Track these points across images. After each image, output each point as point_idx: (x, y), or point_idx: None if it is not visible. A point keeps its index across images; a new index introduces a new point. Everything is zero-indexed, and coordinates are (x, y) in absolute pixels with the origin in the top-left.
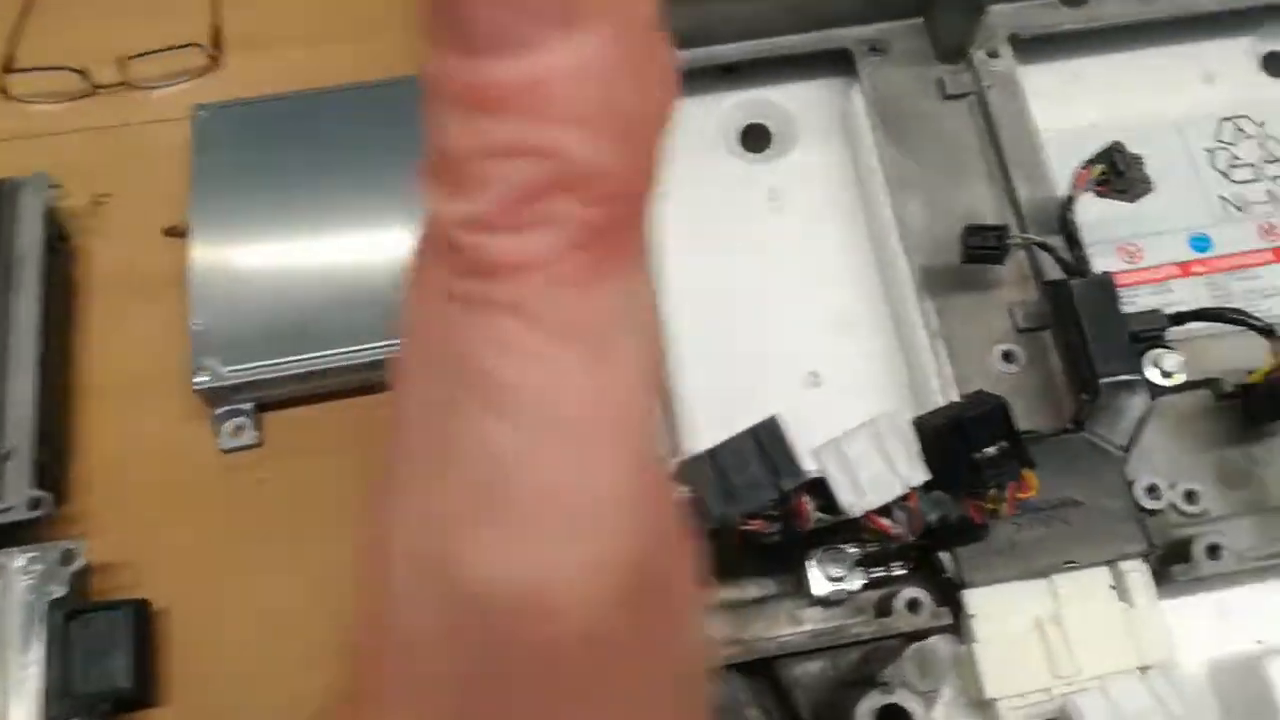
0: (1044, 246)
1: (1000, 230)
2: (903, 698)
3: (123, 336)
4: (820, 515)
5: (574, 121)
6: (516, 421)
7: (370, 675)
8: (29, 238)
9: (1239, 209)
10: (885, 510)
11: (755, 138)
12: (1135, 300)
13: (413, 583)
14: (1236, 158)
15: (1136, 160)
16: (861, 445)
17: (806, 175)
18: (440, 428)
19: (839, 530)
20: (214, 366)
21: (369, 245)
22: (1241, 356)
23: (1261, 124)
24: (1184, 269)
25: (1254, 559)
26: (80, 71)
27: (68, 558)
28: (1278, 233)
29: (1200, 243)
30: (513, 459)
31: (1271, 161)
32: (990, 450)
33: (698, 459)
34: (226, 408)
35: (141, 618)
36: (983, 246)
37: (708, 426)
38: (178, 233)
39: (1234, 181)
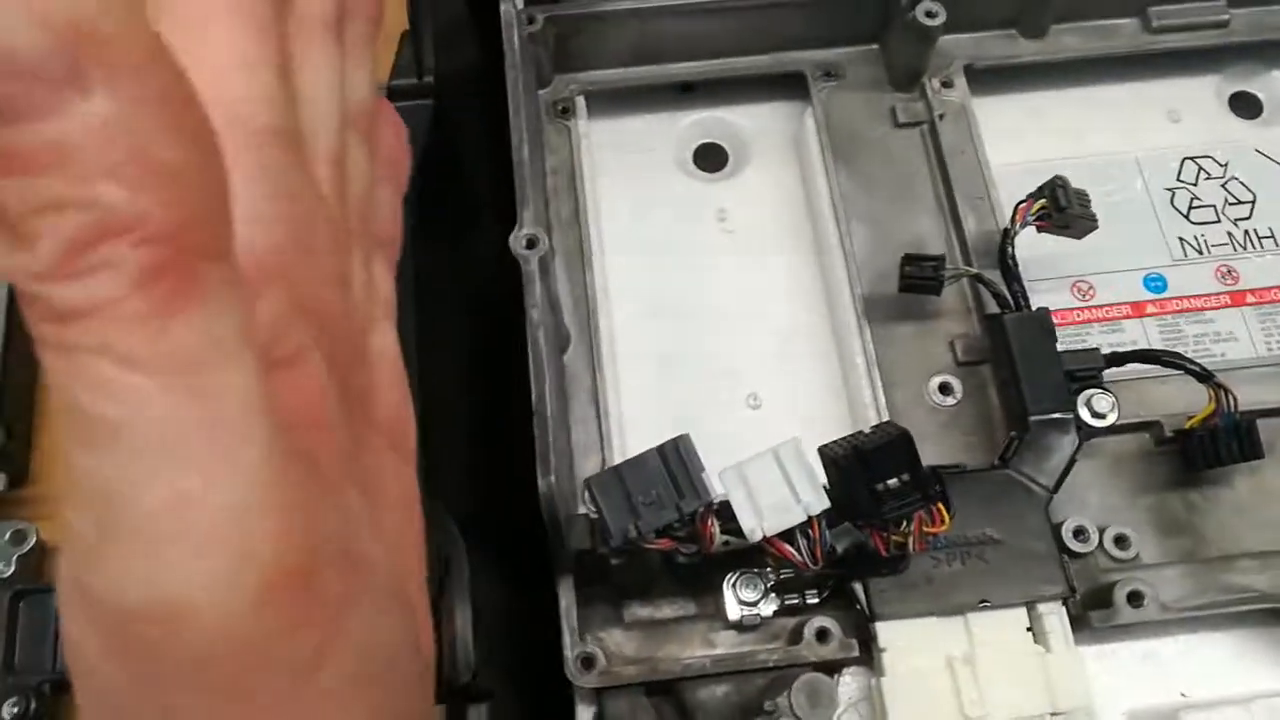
0: (979, 279)
1: (937, 261)
2: None
3: None
4: (728, 538)
5: (105, 174)
6: (117, 453)
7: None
8: None
9: (1197, 251)
10: (789, 536)
11: (710, 157)
12: (1086, 338)
13: (73, 610)
14: (1197, 199)
15: (1081, 196)
16: (763, 470)
17: (758, 196)
18: (66, 464)
19: (756, 554)
20: None
21: None
22: (1185, 400)
23: (1225, 164)
24: (1137, 309)
25: (1180, 609)
26: None
27: (18, 538)
28: (1235, 276)
29: (1155, 283)
30: (123, 487)
31: (1233, 204)
32: (892, 482)
33: (603, 476)
34: None
35: None
36: (919, 276)
37: (645, 443)
38: None
39: (1193, 223)
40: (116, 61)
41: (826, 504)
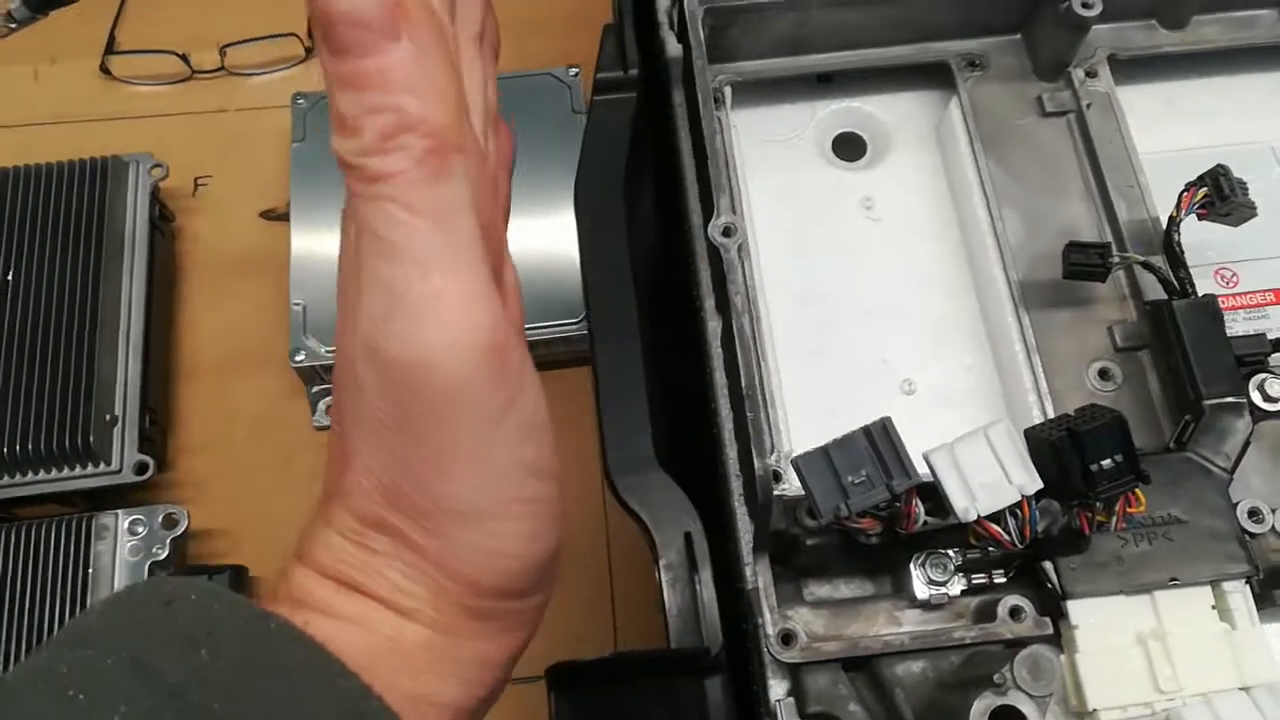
0: (1148, 266)
1: (1103, 248)
2: (1016, 699)
3: (223, 314)
4: (928, 518)
5: (408, 91)
6: (400, 263)
7: (340, 420)
8: (136, 216)
9: None
10: (996, 517)
11: (848, 146)
12: (1233, 325)
13: (361, 357)
14: None
15: (1241, 185)
16: (975, 451)
17: (901, 185)
18: (359, 273)
19: (937, 535)
20: (312, 346)
21: None
22: None
23: None
24: None
25: None
26: (182, 56)
27: (170, 522)
28: None
29: None
30: (402, 283)
31: None
32: (1105, 463)
33: (811, 456)
34: (322, 386)
35: (240, 583)
36: (1085, 264)
37: (804, 429)
38: (275, 216)
39: None
40: (414, 21)
41: (1039, 484)
